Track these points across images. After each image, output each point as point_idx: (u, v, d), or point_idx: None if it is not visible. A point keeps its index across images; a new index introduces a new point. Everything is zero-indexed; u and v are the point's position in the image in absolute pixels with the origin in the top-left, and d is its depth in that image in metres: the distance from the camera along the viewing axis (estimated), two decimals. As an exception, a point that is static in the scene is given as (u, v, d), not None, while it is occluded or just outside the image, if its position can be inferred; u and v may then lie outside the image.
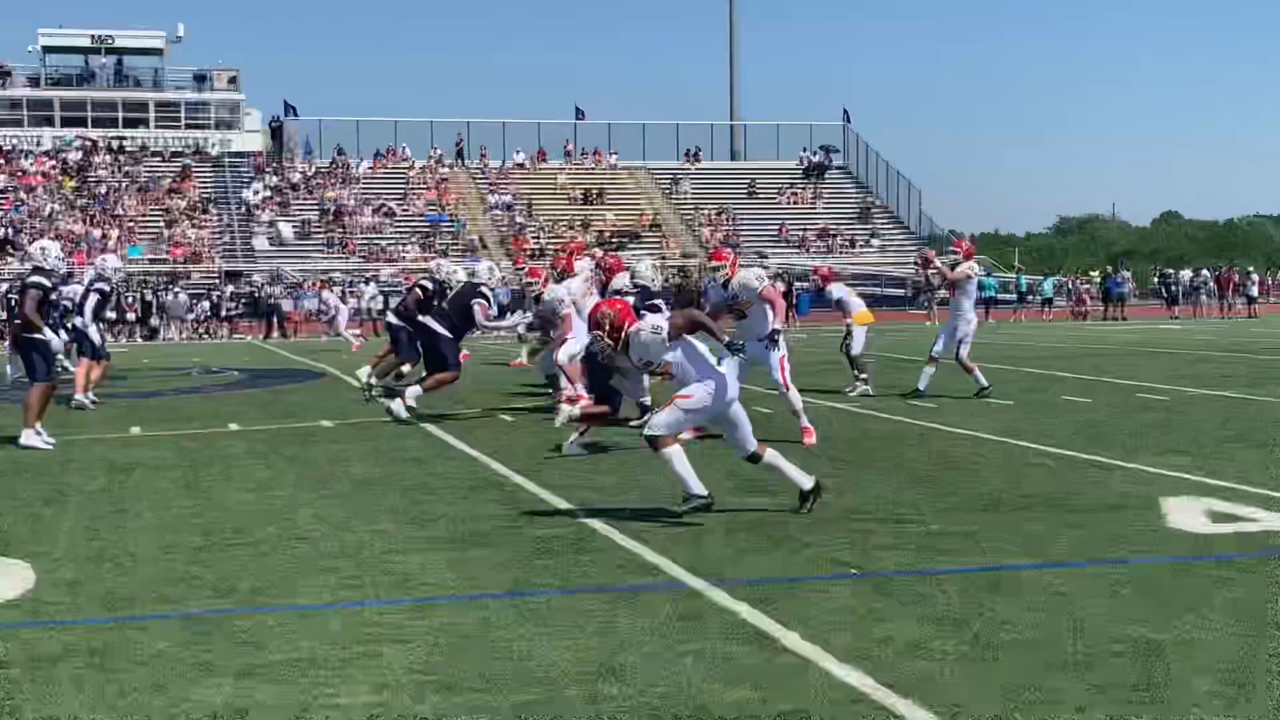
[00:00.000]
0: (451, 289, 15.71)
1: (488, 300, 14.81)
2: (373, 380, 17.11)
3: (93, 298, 17.42)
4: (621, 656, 5.27)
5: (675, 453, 8.23)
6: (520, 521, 8.21)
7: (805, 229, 64.36)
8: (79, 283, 22.18)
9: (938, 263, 17.53)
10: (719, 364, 8.40)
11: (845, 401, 15.65)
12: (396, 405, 14.00)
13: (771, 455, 8.38)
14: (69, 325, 15.69)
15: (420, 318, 15.17)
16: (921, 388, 15.83)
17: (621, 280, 13.77)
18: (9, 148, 62.99)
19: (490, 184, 65.78)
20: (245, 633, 5.72)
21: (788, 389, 12.11)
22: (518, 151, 69.20)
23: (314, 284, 46.74)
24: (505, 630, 5.68)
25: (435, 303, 15.70)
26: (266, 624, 5.86)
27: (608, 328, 8.28)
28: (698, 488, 8.14)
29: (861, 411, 14.51)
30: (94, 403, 16.87)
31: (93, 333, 17.12)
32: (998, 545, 7.28)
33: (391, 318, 17.69)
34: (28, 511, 8.91)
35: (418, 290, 16.71)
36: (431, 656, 5.31)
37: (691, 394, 8.21)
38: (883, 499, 8.82)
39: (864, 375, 16.82)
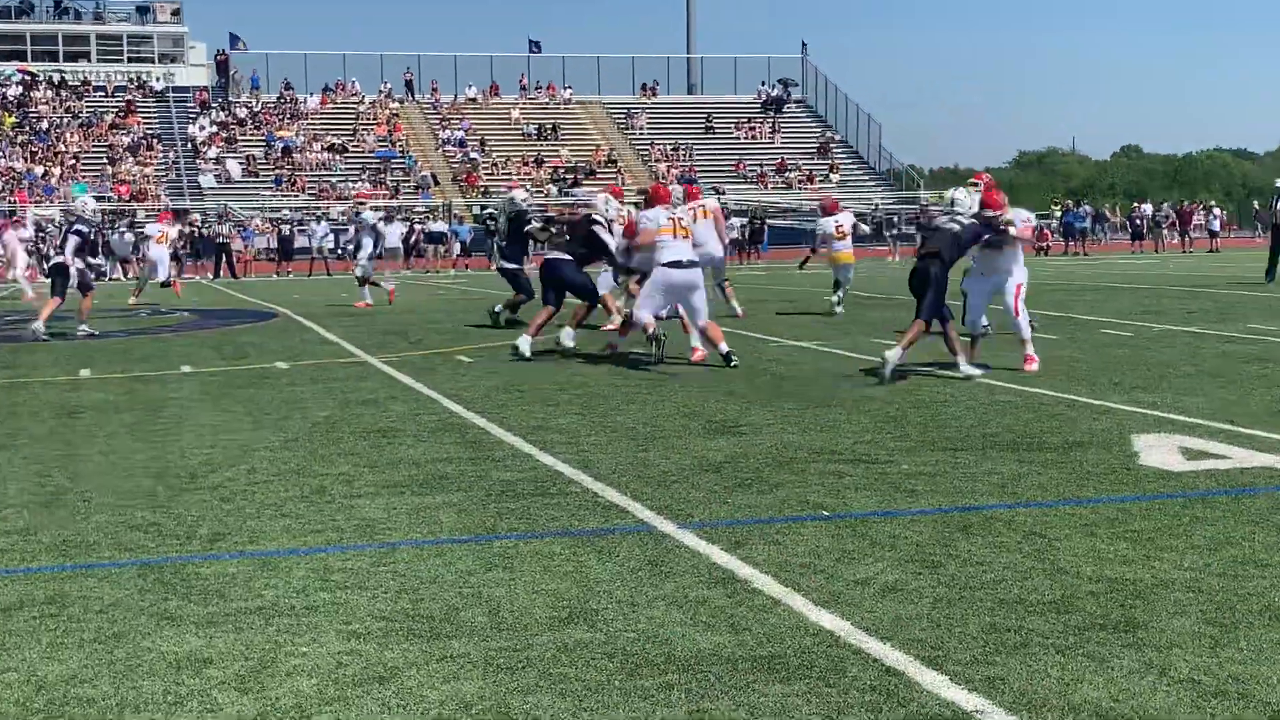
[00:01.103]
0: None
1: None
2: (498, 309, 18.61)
3: (72, 239, 17.72)
4: (592, 602, 5.23)
5: None
6: (483, 465, 8.15)
7: (763, 164, 64.26)
8: (22, 224, 22.13)
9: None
10: None
11: (810, 340, 15.66)
12: (565, 335, 14.23)
13: None
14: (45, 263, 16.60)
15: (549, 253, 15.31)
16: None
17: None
18: (-55, 82, 61.93)
19: (442, 119, 65.26)
20: (206, 581, 5.64)
21: (1017, 314, 12.45)
22: (470, 86, 68.70)
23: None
24: (472, 576, 5.63)
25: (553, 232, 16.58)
26: (227, 571, 5.79)
27: None
28: None
29: (826, 350, 14.51)
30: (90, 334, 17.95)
31: (73, 272, 17.64)
32: (969, 485, 7.28)
33: (503, 262, 19.18)
34: (-25, 457, 8.77)
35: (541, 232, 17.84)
36: (398, 604, 5.26)
37: None
38: (851, 439, 8.81)
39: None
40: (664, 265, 13.14)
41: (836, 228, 20.22)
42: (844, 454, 8.28)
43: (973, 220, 11.99)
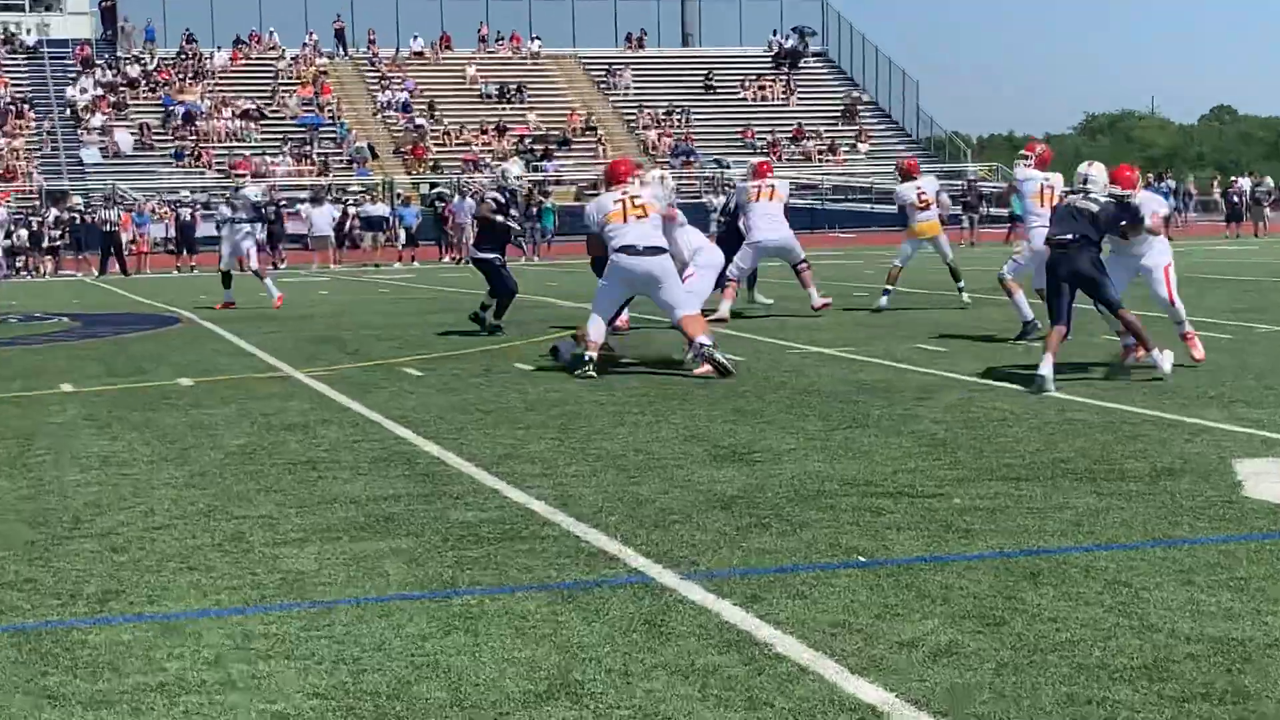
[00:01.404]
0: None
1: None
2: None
3: None
4: (576, 672, 5.22)
5: None
6: (439, 503, 8.13)
7: (775, 131, 64.39)
8: None
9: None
10: None
11: (836, 345, 15.67)
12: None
13: None
14: None
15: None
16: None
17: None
18: None
19: (381, 78, 65.30)
20: (95, 650, 5.62)
21: (1173, 302, 13.38)
22: (415, 37, 68.75)
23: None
24: (427, 641, 5.62)
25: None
26: (121, 638, 5.76)
27: None
28: None
29: (855, 357, 14.52)
30: None
31: None
32: (1036, 523, 7.29)
33: (476, 250, 19.18)
34: None
35: (491, 201, 18.45)
36: (335, 677, 5.24)
37: None
38: (890, 467, 8.82)
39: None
40: (618, 251, 13.50)
41: (918, 194, 20.27)
42: (882, 486, 8.28)
43: (1109, 200, 12.50)
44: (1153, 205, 13.32)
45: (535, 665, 5.30)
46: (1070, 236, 12.29)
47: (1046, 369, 11.77)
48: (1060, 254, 12.37)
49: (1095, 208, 12.38)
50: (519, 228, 19.67)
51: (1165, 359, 12.34)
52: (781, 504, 7.86)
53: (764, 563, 6.68)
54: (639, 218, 13.56)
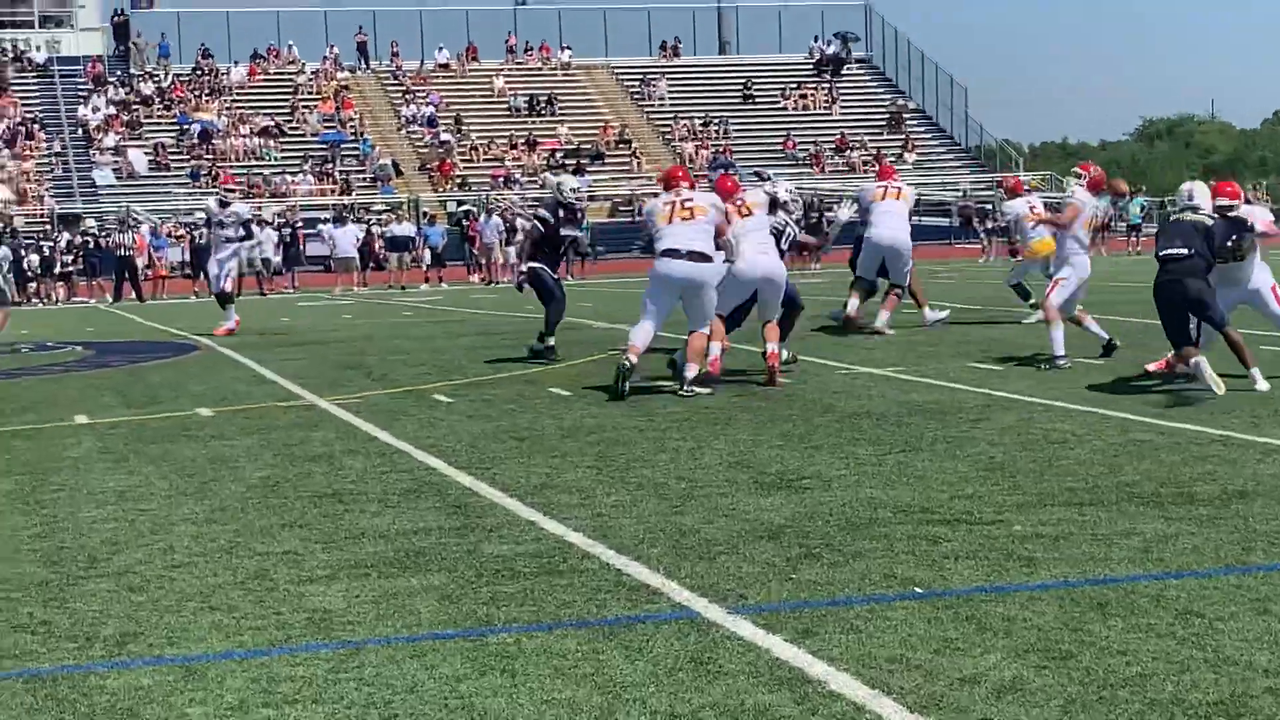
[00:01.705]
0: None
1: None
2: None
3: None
4: (619, 713, 5.20)
5: None
6: (471, 536, 8.12)
7: (818, 141, 64.39)
8: None
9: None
10: None
11: (888, 365, 15.63)
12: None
13: None
14: None
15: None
16: None
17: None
18: None
19: (405, 92, 65.54)
20: (113, 696, 5.61)
21: None
22: (440, 49, 68.98)
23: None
24: (461, 683, 5.59)
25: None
26: (141, 683, 5.75)
27: None
28: None
29: (906, 378, 14.48)
30: None
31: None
32: (1102, 551, 7.24)
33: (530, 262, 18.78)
34: None
35: (538, 226, 18.25)
36: (365, 720, 5.21)
37: None
38: (946, 493, 8.79)
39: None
40: (660, 255, 13.70)
41: (1030, 209, 20.13)
42: (938, 512, 8.24)
43: (1214, 216, 12.75)
44: (1260, 214, 13.58)
45: (576, 707, 5.27)
46: (1186, 251, 12.45)
47: (1213, 384, 12.03)
48: (1170, 274, 12.54)
49: (1210, 223, 12.60)
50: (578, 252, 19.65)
51: (1262, 378, 12.62)
52: (832, 533, 7.82)
53: (815, 595, 6.64)
54: (684, 219, 13.67)
